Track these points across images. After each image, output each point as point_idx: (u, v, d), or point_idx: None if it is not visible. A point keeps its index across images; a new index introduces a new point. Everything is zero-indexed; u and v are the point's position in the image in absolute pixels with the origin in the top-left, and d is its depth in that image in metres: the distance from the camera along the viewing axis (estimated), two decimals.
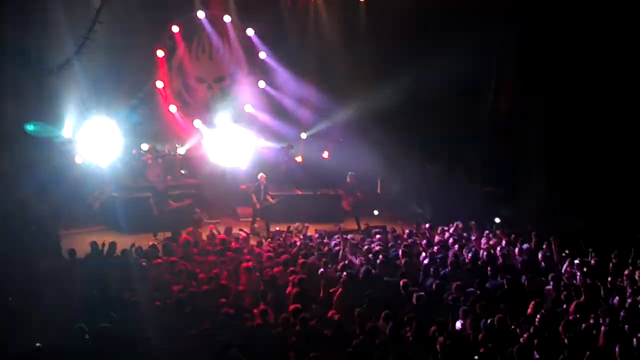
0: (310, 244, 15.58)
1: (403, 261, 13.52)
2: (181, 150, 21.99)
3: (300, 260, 13.57)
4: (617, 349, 9.25)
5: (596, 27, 18.98)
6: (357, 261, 13.90)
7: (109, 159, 19.99)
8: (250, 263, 13.41)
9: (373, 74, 22.24)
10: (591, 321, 10.33)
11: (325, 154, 23.30)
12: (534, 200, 19.87)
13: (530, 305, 10.92)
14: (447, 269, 13.24)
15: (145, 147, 21.33)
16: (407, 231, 16.64)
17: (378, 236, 16.11)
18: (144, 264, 13.88)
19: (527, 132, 20.79)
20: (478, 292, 11.88)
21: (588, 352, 9.11)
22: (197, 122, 22.23)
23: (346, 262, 13.56)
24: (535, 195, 19.97)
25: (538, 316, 10.36)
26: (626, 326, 10.06)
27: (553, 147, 20.24)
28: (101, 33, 15.09)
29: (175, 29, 22.01)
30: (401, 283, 11.99)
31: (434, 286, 12.07)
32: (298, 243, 15.66)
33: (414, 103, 21.51)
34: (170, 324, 10.56)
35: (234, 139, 21.90)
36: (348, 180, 20.49)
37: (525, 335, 9.88)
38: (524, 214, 19.16)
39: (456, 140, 21.74)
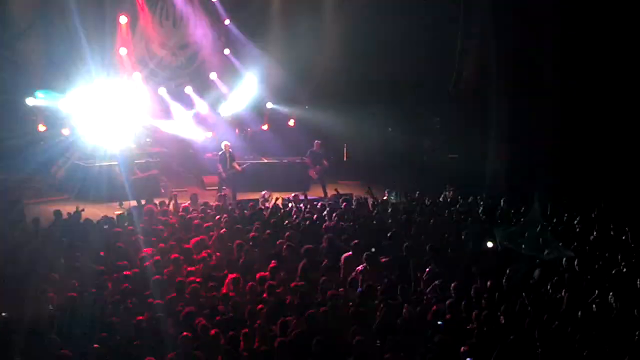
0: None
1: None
2: (145, 118, 21.76)
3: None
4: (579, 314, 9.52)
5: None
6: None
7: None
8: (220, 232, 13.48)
9: (338, 36, 22.22)
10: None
11: (291, 122, 23.33)
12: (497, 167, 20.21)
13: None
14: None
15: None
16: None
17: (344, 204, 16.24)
18: (110, 232, 13.85)
19: (491, 100, 21.01)
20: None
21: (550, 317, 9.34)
22: (161, 90, 22.05)
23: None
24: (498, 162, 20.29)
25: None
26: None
27: (517, 116, 20.46)
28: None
29: None
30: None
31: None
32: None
33: (379, 68, 21.53)
34: (137, 293, 10.57)
35: (197, 107, 21.86)
36: (314, 148, 20.53)
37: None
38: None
39: (421, 107, 21.89)
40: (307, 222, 14.36)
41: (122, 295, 10.39)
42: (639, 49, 18.60)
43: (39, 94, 19.69)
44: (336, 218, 14.51)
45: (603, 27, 18.67)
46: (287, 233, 13.20)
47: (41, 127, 20.02)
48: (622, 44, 18.76)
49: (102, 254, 12.41)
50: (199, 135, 21.72)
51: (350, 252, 12.04)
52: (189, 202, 16.21)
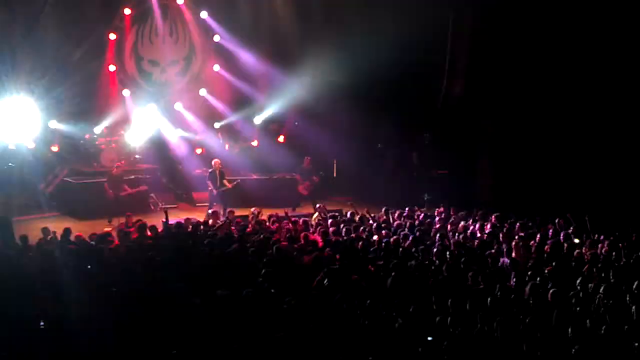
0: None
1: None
2: (135, 135, 21.72)
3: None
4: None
5: (549, 12, 19.26)
6: None
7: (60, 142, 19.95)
8: None
9: (326, 53, 22.32)
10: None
11: (281, 138, 23.34)
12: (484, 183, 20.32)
13: None
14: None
15: (98, 131, 21.06)
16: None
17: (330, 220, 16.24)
18: (99, 249, 13.76)
19: (478, 116, 21.13)
20: None
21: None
22: (151, 107, 22.04)
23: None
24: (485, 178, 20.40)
25: None
26: None
27: (504, 132, 20.59)
28: (52, 16, 14.89)
29: (127, 11, 21.64)
30: None
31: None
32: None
33: (367, 84, 21.60)
34: (127, 308, 10.52)
35: (188, 123, 21.86)
36: (304, 164, 20.54)
37: None
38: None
39: (410, 122, 21.96)
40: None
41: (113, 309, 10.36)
42: (623, 64, 18.74)
43: None
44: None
45: (592, 43, 18.83)
46: None
47: (30, 144, 19.95)
48: (609, 59, 18.91)
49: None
50: (188, 152, 21.67)
51: None
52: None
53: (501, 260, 12.80)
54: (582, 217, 14.90)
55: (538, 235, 14.39)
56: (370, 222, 15.87)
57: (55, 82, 19.94)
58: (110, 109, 21.41)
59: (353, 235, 14.29)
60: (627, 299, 10.46)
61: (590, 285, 11.06)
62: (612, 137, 19.17)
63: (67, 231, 14.56)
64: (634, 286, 10.81)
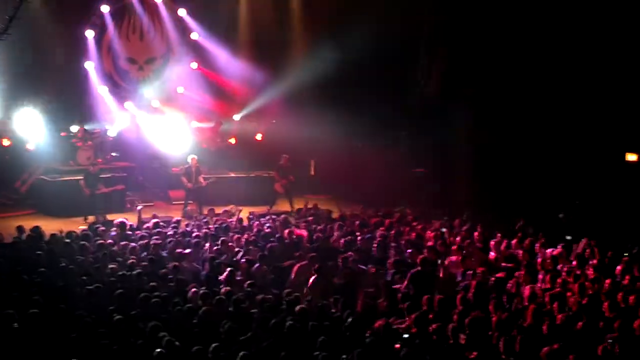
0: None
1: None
2: (112, 133, 21.69)
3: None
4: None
5: (525, 12, 19.38)
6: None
7: (36, 140, 19.82)
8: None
9: (306, 52, 22.39)
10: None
11: (259, 136, 23.36)
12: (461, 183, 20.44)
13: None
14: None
15: (74, 129, 20.97)
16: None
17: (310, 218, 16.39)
18: (74, 247, 13.75)
19: (456, 114, 21.24)
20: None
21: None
22: (128, 104, 21.98)
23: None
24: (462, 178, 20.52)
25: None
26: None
27: (480, 130, 20.70)
28: (28, 13, 14.81)
29: (105, 8, 21.57)
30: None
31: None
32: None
33: (345, 83, 21.65)
34: (100, 307, 10.51)
35: (166, 121, 21.81)
36: (282, 162, 20.57)
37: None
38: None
39: (388, 122, 22.04)
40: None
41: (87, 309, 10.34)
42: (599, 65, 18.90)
43: None
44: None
45: (569, 41, 18.95)
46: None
47: (5, 142, 19.85)
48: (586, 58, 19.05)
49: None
50: (173, 150, 21.59)
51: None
52: None
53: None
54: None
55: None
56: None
57: (36, 80, 19.86)
58: (88, 107, 21.39)
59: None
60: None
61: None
62: (590, 136, 19.27)
63: (36, 229, 14.55)
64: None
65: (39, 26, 19.29)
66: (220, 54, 22.89)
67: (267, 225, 15.70)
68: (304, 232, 15.09)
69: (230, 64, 22.92)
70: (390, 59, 21.31)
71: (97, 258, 12.97)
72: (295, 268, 12.60)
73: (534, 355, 8.68)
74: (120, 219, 15.73)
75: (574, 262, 13.05)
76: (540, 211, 17.23)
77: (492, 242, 14.28)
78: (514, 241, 14.31)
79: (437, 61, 21.79)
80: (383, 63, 21.33)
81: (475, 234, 14.99)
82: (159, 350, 8.72)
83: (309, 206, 18.27)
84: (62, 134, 20.87)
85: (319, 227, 15.61)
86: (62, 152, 20.65)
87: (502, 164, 19.97)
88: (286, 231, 14.75)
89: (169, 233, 14.81)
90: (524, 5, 19.37)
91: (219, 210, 17.51)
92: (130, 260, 12.72)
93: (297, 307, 10.32)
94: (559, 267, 12.77)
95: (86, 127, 20.99)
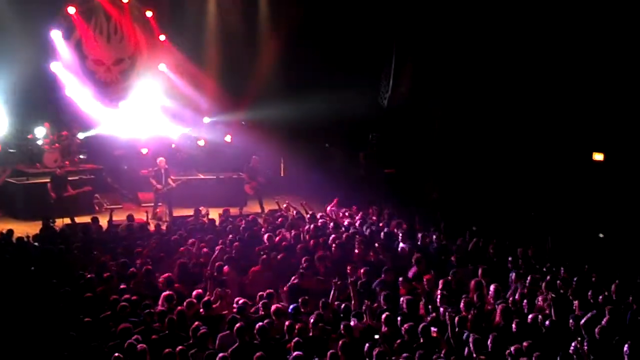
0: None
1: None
2: (80, 134, 21.50)
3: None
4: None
5: (495, 9, 19.52)
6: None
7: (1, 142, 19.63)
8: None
9: (274, 55, 22.39)
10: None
11: (228, 138, 23.28)
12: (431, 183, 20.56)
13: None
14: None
15: (41, 131, 20.72)
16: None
17: (280, 219, 16.36)
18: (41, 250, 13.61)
19: (426, 115, 21.38)
20: None
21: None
22: (96, 105, 21.78)
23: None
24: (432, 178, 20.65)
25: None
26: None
27: (451, 129, 20.85)
28: None
29: (71, 9, 21.36)
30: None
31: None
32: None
33: (315, 82, 21.66)
34: (70, 311, 10.40)
35: (134, 123, 21.66)
36: (251, 163, 20.54)
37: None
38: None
39: (358, 121, 22.11)
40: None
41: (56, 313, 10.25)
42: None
43: None
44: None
45: (533, 43, 19.12)
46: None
47: None
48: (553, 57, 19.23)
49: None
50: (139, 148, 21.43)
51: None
52: None
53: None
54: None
55: None
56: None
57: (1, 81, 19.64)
58: (55, 109, 21.17)
59: None
60: None
61: None
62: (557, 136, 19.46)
63: (9, 232, 14.41)
64: None
65: (5, 26, 19.08)
66: (188, 57, 22.79)
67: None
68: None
69: (198, 66, 22.86)
70: (359, 61, 21.38)
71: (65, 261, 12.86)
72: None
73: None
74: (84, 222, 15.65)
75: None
76: (505, 213, 17.37)
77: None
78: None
79: (407, 63, 21.87)
80: (352, 64, 21.37)
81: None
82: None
83: (283, 206, 18.25)
84: (29, 136, 20.61)
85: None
86: (28, 154, 20.41)
87: (468, 165, 20.13)
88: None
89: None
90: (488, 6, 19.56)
91: (188, 212, 17.46)
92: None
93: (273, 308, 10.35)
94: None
95: (52, 129, 20.76)
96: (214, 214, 17.72)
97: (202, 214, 17.11)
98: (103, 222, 15.98)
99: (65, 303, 10.62)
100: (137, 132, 21.87)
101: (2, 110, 19.97)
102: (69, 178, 18.99)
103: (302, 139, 21.89)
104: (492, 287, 11.18)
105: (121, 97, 22.49)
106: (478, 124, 20.20)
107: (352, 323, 9.83)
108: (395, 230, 14.95)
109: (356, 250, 13.74)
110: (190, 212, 17.35)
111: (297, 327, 9.61)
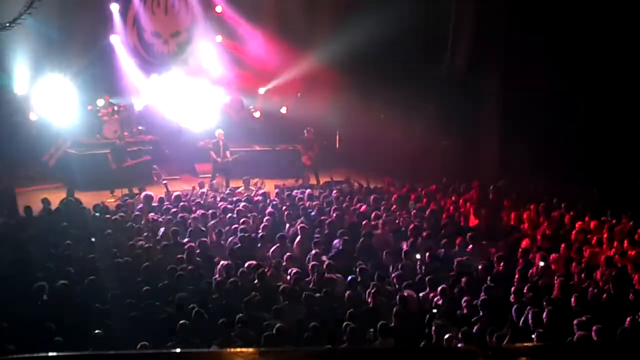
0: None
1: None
2: (138, 106, 21.72)
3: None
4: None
5: None
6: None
7: (64, 115, 19.87)
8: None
9: (331, 23, 22.22)
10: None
11: (284, 109, 23.26)
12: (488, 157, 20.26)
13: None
14: None
15: (100, 102, 20.99)
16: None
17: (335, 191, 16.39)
18: (102, 220, 13.88)
19: (484, 86, 21.03)
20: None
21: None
22: (154, 78, 21.98)
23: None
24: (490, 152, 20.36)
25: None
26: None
27: (509, 102, 20.49)
28: None
29: None
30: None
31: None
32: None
33: (371, 56, 21.45)
34: (128, 280, 10.58)
35: (191, 95, 21.76)
36: (306, 135, 20.51)
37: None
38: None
39: (414, 94, 21.86)
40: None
41: (114, 282, 10.42)
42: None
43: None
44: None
45: (594, 19, 18.63)
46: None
47: (33, 116, 19.95)
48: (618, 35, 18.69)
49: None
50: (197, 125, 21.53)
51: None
52: None
53: None
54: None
55: None
56: None
57: (62, 55, 19.91)
58: (114, 81, 21.42)
59: None
60: None
61: None
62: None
63: (69, 201, 14.71)
64: None
65: (64, 0, 19.33)
66: (245, 28, 22.78)
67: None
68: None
69: (255, 38, 22.82)
70: (417, 32, 21.08)
71: (126, 231, 13.09)
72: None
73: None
74: (146, 193, 15.85)
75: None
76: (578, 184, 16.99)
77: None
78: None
79: (465, 33, 21.51)
80: (410, 36, 21.08)
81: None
82: (182, 321, 8.79)
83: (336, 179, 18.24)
84: (89, 107, 20.90)
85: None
86: (88, 125, 20.72)
87: (531, 135, 19.76)
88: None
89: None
90: None
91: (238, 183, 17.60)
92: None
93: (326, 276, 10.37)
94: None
95: (112, 100, 21.02)
96: (270, 185, 17.89)
97: (258, 186, 17.24)
98: (160, 193, 16.24)
99: (125, 272, 10.82)
100: (194, 104, 21.93)
101: (72, 85, 20.19)
102: (129, 149, 19.28)
103: (358, 111, 21.68)
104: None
105: (178, 69, 22.58)
106: (537, 95, 19.80)
107: (405, 294, 9.81)
108: None
109: None
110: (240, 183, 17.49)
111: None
